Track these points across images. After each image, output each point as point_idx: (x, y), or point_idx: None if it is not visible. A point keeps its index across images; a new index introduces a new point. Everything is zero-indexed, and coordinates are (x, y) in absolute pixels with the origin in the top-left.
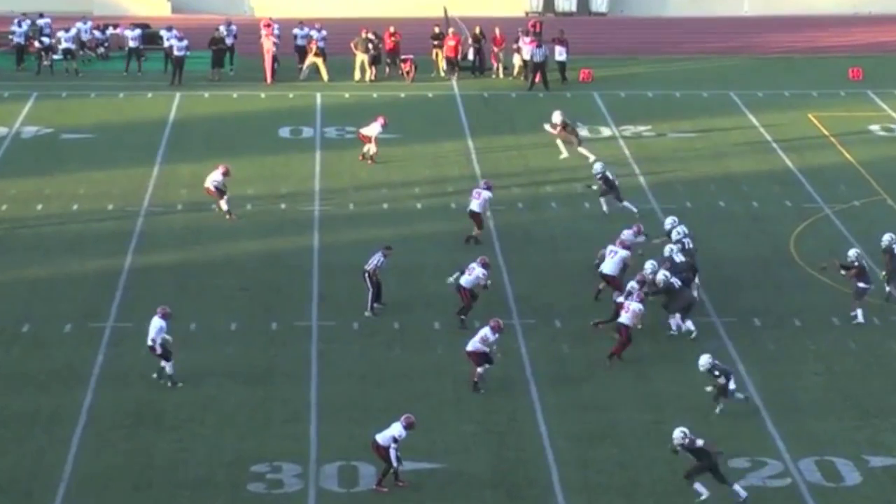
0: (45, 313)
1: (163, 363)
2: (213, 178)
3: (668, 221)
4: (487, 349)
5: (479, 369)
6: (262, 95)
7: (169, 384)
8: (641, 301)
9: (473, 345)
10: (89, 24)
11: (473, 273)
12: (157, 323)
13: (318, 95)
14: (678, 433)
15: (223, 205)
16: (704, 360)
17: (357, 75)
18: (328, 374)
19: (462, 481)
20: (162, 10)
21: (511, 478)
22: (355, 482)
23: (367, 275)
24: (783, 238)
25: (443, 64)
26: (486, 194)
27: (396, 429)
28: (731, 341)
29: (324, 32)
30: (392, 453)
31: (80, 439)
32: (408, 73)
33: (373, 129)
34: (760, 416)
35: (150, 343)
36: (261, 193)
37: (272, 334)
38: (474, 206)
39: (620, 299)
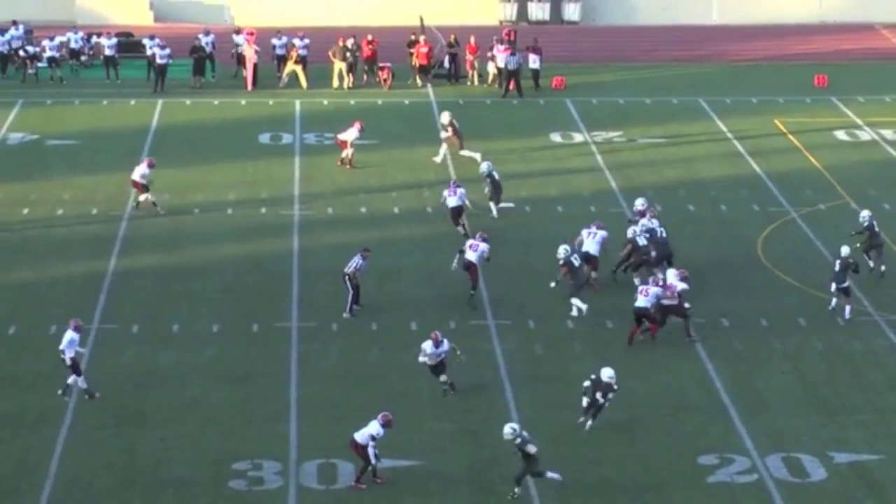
0: (31, 315)
1: (72, 377)
2: (140, 171)
3: (639, 203)
4: (436, 359)
5: (441, 377)
6: (243, 102)
7: (87, 397)
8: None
9: (422, 360)
10: (80, 34)
11: (479, 248)
12: (69, 335)
13: (298, 102)
14: (508, 429)
15: (149, 197)
16: (508, 430)
17: (335, 83)
18: (308, 375)
19: (439, 478)
20: (144, 18)
21: (486, 475)
22: (334, 479)
23: (346, 277)
24: (751, 241)
25: (417, 71)
26: (461, 191)
27: (374, 427)
28: (700, 342)
29: (306, 41)
30: (370, 451)
31: (66, 439)
32: (385, 80)
33: (350, 134)
34: (728, 414)
35: (61, 355)
36: (241, 198)
37: (253, 336)
38: (452, 202)
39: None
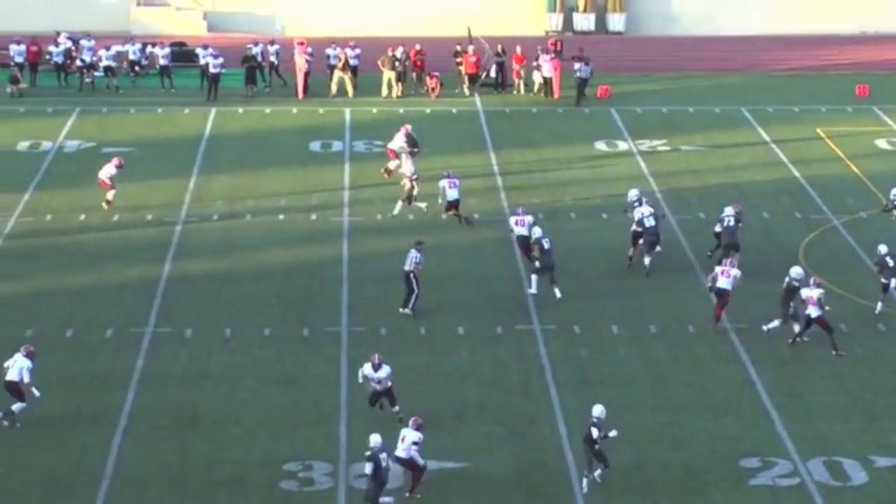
0: (87, 319)
1: (17, 405)
2: (107, 170)
3: (632, 194)
4: (376, 385)
5: (394, 408)
6: (294, 111)
7: (15, 424)
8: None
9: (361, 382)
10: (139, 45)
11: (537, 233)
12: (23, 362)
13: (348, 111)
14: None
15: (109, 196)
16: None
17: (384, 91)
18: (357, 378)
19: (485, 480)
20: (198, 29)
21: (532, 477)
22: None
23: (411, 275)
24: (792, 248)
25: (466, 80)
26: (456, 181)
27: (413, 434)
28: (742, 346)
29: (357, 51)
30: (417, 456)
31: (121, 440)
32: (433, 89)
33: (397, 142)
34: (770, 417)
35: (16, 379)
36: (292, 205)
37: (304, 339)
38: (452, 194)
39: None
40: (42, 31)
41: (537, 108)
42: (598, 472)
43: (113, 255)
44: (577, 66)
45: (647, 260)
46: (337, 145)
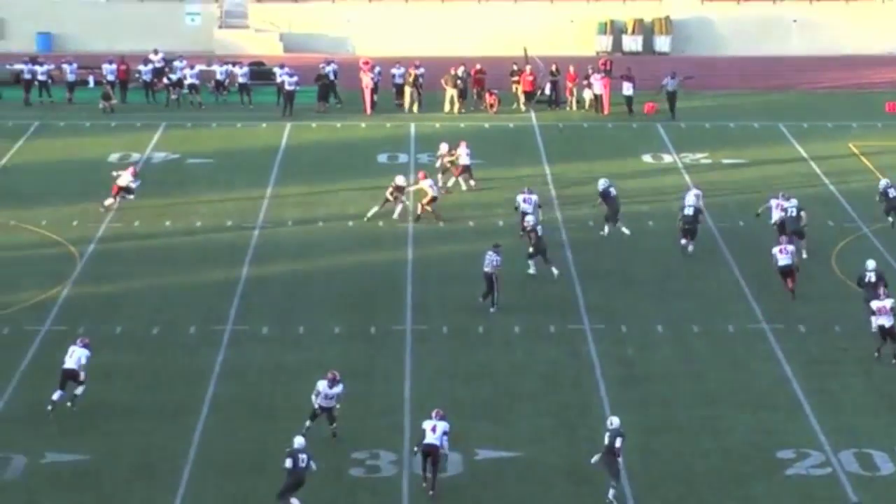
0: (172, 318)
1: (81, 388)
2: (125, 178)
3: (601, 183)
4: (326, 402)
5: (332, 425)
6: (363, 125)
7: (73, 408)
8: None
9: (314, 399)
10: (224, 66)
11: (530, 221)
12: (81, 352)
13: (412, 125)
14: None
15: (112, 201)
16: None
17: (447, 107)
18: (420, 373)
19: (538, 469)
20: (275, 49)
21: (581, 466)
22: (443, 468)
23: (493, 276)
24: (825, 254)
25: (522, 97)
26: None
27: (442, 425)
28: (778, 345)
29: (422, 70)
30: (446, 445)
31: (203, 429)
32: (491, 105)
33: (461, 153)
34: (805, 412)
35: (75, 367)
36: (361, 212)
37: (371, 337)
38: (435, 191)
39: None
40: (131, 51)
41: (588, 124)
42: (612, 493)
43: (196, 258)
44: (625, 84)
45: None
46: (402, 157)
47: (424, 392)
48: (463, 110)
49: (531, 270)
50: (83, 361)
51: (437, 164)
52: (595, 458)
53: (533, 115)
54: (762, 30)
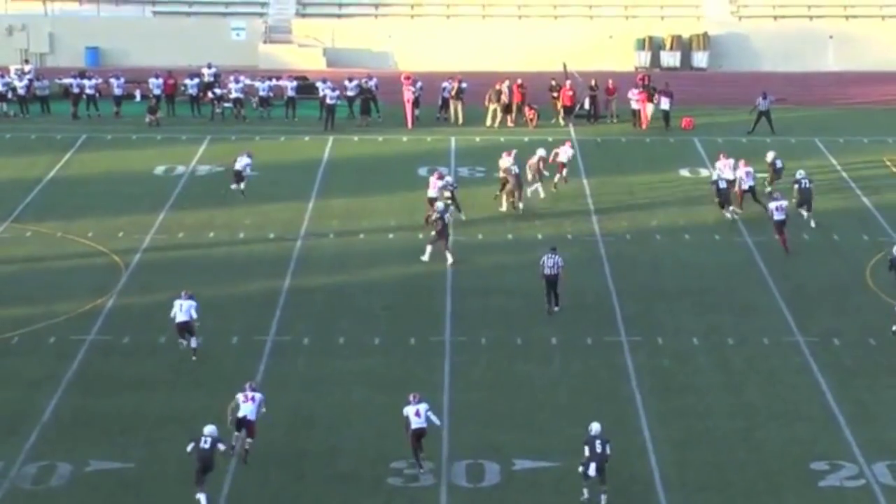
0: (215, 328)
1: (195, 340)
2: (242, 161)
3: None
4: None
5: (248, 441)
6: (404, 139)
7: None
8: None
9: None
10: (268, 82)
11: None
12: (188, 304)
13: (453, 139)
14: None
15: (240, 187)
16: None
17: (488, 122)
18: (459, 383)
19: (574, 478)
20: (318, 63)
21: (617, 476)
22: (481, 478)
23: (556, 279)
24: (860, 268)
25: (561, 112)
26: (440, 182)
27: (423, 406)
28: (812, 358)
29: (465, 84)
30: (434, 419)
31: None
32: (531, 119)
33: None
34: (839, 424)
35: (187, 319)
36: (401, 224)
37: (410, 348)
38: (431, 192)
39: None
40: (177, 66)
41: (626, 138)
42: (604, 498)
43: (238, 269)
44: (663, 99)
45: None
46: (443, 171)
47: (462, 402)
48: (512, 124)
49: (425, 257)
50: (193, 313)
51: (529, 175)
52: (592, 469)
53: (572, 129)
54: (799, 46)
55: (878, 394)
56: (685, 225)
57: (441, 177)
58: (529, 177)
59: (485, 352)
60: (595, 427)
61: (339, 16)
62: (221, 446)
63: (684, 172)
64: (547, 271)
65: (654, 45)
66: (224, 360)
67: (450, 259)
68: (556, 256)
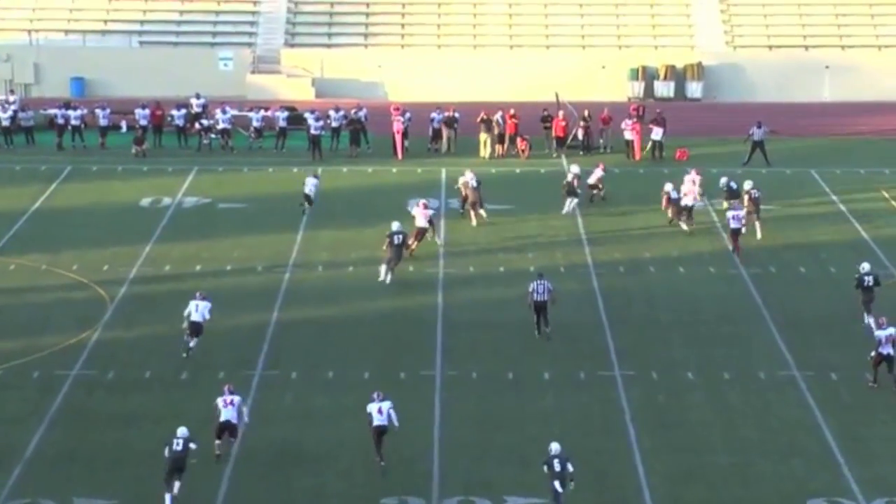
0: (201, 362)
1: (195, 340)
2: (309, 184)
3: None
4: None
5: (231, 440)
6: (394, 170)
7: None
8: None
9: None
10: (261, 112)
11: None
12: (203, 305)
13: (444, 171)
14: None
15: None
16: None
17: (482, 152)
18: (450, 418)
19: None
20: (307, 94)
21: None
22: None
23: (546, 305)
24: (858, 301)
25: (549, 143)
26: (428, 212)
27: (386, 404)
28: (809, 392)
29: (457, 114)
30: (395, 418)
31: (231, 472)
32: (523, 150)
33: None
34: (836, 459)
35: (200, 320)
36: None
37: (401, 382)
38: (421, 221)
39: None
40: (164, 96)
41: (620, 169)
42: None
43: (226, 302)
44: (655, 129)
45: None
46: (433, 203)
47: (453, 438)
48: (504, 154)
49: (384, 278)
50: (207, 314)
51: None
52: (558, 485)
53: (564, 160)
54: (794, 77)
55: (876, 430)
56: (679, 256)
57: (427, 206)
58: (565, 192)
59: (476, 386)
60: (555, 447)
61: (328, 45)
62: (193, 445)
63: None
64: (537, 297)
65: (648, 75)
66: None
67: (388, 277)
68: (545, 282)
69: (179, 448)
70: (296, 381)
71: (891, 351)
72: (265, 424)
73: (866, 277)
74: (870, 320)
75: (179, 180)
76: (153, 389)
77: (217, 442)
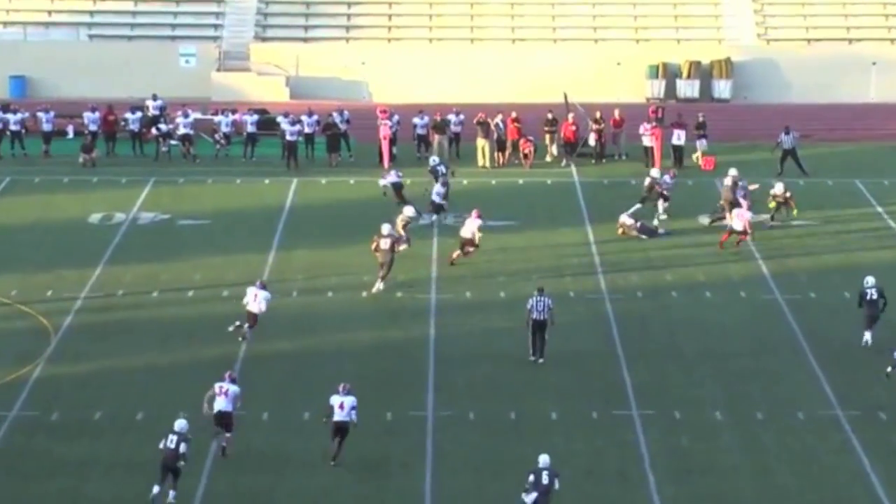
0: (159, 401)
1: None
2: (390, 177)
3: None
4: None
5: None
6: (380, 182)
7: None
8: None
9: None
10: (230, 117)
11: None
12: (263, 294)
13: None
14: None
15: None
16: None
17: (480, 161)
18: (443, 466)
19: None
20: (280, 95)
21: None
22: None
23: (545, 324)
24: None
25: (553, 149)
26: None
27: (349, 400)
28: (854, 435)
29: (461, 117)
30: (354, 418)
31: None
32: (526, 156)
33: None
34: None
35: (257, 311)
36: (376, 280)
37: (387, 424)
38: (466, 232)
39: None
40: (116, 98)
41: (637, 180)
42: None
43: (187, 333)
44: (676, 132)
45: None
46: (425, 218)
47: (447, 488)
48: (505, 163)
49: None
50: (264, 306)
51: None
52: (530, 499)
53: (574, 169)
54: (836, 74)
55: None
56: (705, 281)
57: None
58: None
59: (473, 428)
60: (544, 459)
61: (304, 39)
62: (184, 447)
63: (704, 219)
64: (536, 315)
65: (670, 73)
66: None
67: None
68: (545, 298)
69: (172, 446)
70: (267, 422)
71: None
72: (232, 471)
73: (868, 290)
74: (867, 335)
75: (134, 193)
76: (104, 433)
77: (216, 428)
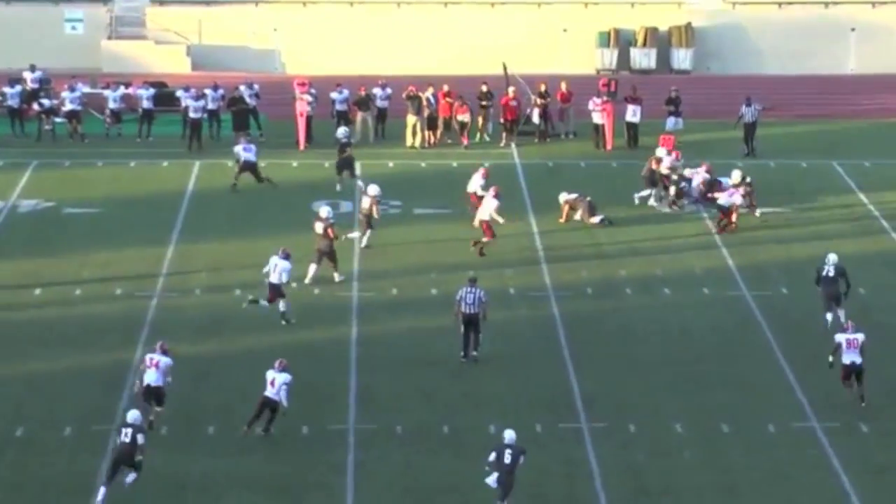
0: (42, 414)
1: (284, 304)
2: (477, 181)
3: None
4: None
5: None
6: (295, 164)
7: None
8: None
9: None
10: (119, 91)
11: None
12: (283, 265)
13: (358, 165)
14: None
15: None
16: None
17: (409, 140)
18: (366, 486)
19: None
20: (181, 66)
21: None
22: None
23: (478, 318)
24: (892, 333)
25: (488, 128)
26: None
27: (282, 377)
28: (832, 450)
29: (388, 90)
30: (285, 398)
31: None
32: (463, 126)
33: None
34: None
35: (277, 282)
36: (292, 277)
37: (303, 439)
38: (483, 214)
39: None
40: None
41: (586, 162)
42: None
43: (74, 337)
44: (630, 108)
45: None
46: (346, 206)
47: None
48: (436, 143)
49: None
50: (285, 277)
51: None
52: (492, 479)
53: (514, 149)
54: (811, 41)
55: None
56: (664, 276)
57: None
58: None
59: (400, 444)
60: (510, 434)
61: (207, 2)
62: (141, 439)
63: (663, 208)
64: (466, 309)
65: (622, 41)
66: (53, 457)
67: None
68: (477, 290)
69: (128, 440)
70: (166, 438)
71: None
72: (124, 497)
73: (827, 267)
74: (828, 318)
75: (13, 178)
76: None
77: (146, 406)
